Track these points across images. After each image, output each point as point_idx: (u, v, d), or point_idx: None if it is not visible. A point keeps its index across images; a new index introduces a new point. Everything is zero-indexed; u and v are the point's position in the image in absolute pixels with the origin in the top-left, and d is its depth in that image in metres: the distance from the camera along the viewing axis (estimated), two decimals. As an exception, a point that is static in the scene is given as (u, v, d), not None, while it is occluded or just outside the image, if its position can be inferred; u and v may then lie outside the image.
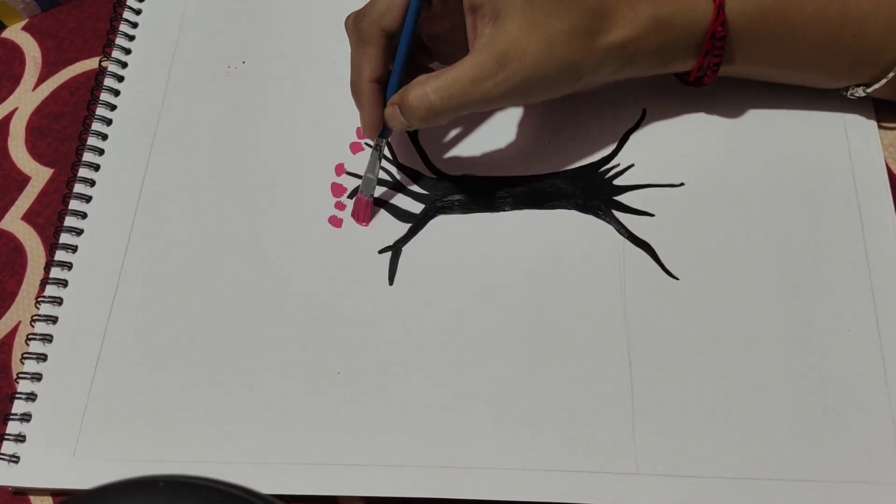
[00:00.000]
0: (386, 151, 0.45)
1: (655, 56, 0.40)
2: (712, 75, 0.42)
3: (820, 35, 0.40)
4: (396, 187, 0.45)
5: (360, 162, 0.46)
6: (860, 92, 0.42)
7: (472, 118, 0.47)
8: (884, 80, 0.41)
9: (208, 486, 0.25)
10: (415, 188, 0.45)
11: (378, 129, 0.41)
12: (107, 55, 0.51)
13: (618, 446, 0.38)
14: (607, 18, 0.39)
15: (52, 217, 0.47)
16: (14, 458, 0.40)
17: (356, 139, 0.47)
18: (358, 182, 0.45)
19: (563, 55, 0.38)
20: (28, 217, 0.48)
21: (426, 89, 0.38)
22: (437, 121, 0.39)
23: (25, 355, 0.42)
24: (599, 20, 0.38)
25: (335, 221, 0.45)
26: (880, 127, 0.44)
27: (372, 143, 0.43)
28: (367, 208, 0.44)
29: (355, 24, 0.40)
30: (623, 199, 0.44)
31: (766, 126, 0.45)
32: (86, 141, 0.48)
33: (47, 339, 0.43)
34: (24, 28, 0.54)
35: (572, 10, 0.38)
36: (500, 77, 0.38)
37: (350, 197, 0.45)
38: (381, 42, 0.40)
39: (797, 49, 0.40)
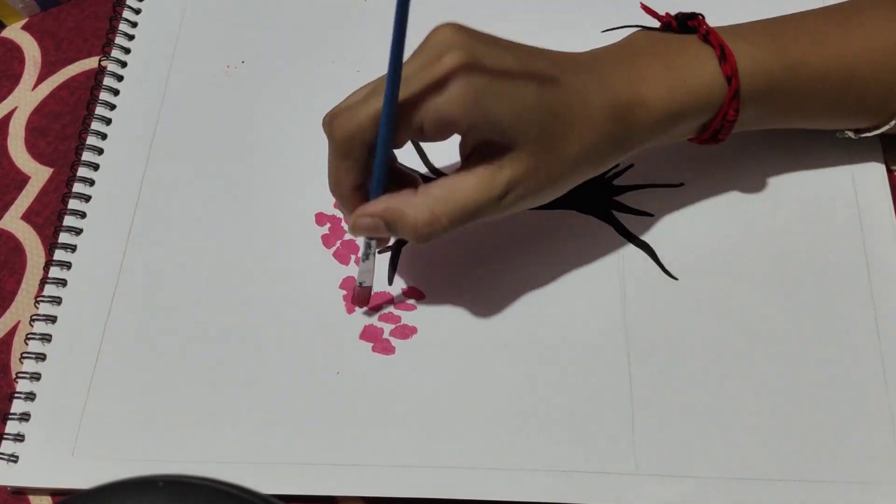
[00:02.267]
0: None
1: (661, 140, 0.39)
2: (717, 142, 0.40)
3: (827, 97, 0.39)
4: (396, 187, 0.45)
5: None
6: (850, 135, 0.42)
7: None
8: (886, 128, 0.41)
9: (208, 485, 0.25)
10: (414, 188, 0.45)
11: None
12: (106, 54, 0.51)
13: (617, 446, 0.38)
14: (621, 124, 0.36)
15: (51, 216, 0.47)
16: (13, 458, 0.40)
17: (356, 139, 0.47)
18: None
19: (573, 175, 0.37)
20: (27, 216, 0.48)
21: (436, 213, 0.35)
22: (436, 238, 0.36)
23: (24, 355, 0.42)
24: (614, 129, 0.36)
25: (334, 221, 0.45)
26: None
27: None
28: (361, 295, 0.42)
29: (334, 130, 0.35)
30: (622, 199, 0.44)
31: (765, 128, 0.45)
32: (85, 140, 0.48)
33: (46, 338, 0.43)
34: (24, 27, 0.54)
35: (588, 128, 0.36)
36: (507, 201, 0.35)
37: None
38: (362, 155, 0.36)
39: (802, 112, 0.40)
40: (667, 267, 0.42)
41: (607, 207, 0.44)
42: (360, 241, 0.41)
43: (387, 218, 0.36)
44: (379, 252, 0.42)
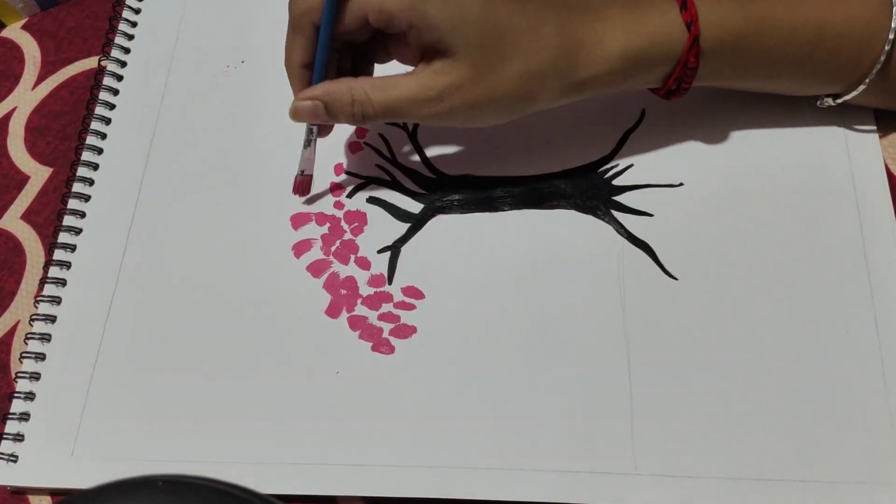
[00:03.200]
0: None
1: (620, 85, 0.40)
2: (682, 93, 0.41)
3: (794, 54, 0.39)
4: (395, 187, 0.45)
5: (359, 161, 0.46)
6: (830, 101, 0.42)
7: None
8: (854, 93, 0.41)
9: (207, 485, 0.25)
10: (414, 188, 0.45)
11: None
12: (106, 54, 0.51)
13: (616, 446, 0.38)
14: (570, 59, 0.38)
15: (50, 216, 0.47)
16: (12, 458, 0.40)
17: (355, 139, 0.47)
18: (357, 181, 0.46)
19: (510, 99, 0.38)
20: (27, 216, 0.48)
21: (370, 96, 0.38)
22: (366, 124, 0.40)
23: (24, 354, 0.42)
24: (564, 61, 0.38)
25: (334, 221, 0.45)
26: (879, 127, 0.44)
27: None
28: (303, 184, 0.45)
29: (289, 9, 0.40)
30: (622, 199, 0.44)
31: (765, 126, 0.45)
32: (85, 140, 0.48)
33: (46, 338, 0.43)
34: (24, 27, 0.54)
35: (533, 53, 0.37)
36: (440, 107, 0.38)
37: (349, 196, 0.45)
38: (310, 33, 0.39)
39: (771, 67, 0.40)
40: (666, 267, 0.42)
41: (607, 207, 0.44)
42: (303, 129, 0.43)
43: (325, 99, 0.39)
44: (320, 137, 0.44)
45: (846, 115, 0.44)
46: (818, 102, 0.43)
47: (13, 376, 0.43)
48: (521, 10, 0.37)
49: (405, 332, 0.42)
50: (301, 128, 0.44)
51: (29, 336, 0.43)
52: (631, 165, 0.45)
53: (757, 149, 0.44)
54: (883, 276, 0.41)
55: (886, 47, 0.39)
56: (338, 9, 0.38)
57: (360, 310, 0.42)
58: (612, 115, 0.46)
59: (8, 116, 0.51)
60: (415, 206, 0.45)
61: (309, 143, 0.43)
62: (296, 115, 0.40)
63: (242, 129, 0.48)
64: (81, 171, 0.47)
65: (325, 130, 0.43)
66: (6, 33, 0.54)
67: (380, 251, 0.44)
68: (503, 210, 0.44)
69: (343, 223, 0.45)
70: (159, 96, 0.49)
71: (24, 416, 0.41)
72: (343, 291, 0.43)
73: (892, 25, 0.38)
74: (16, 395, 0.41)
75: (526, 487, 0.38)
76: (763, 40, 0.39)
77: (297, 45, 0.40)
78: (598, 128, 0.45)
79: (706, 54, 0.38)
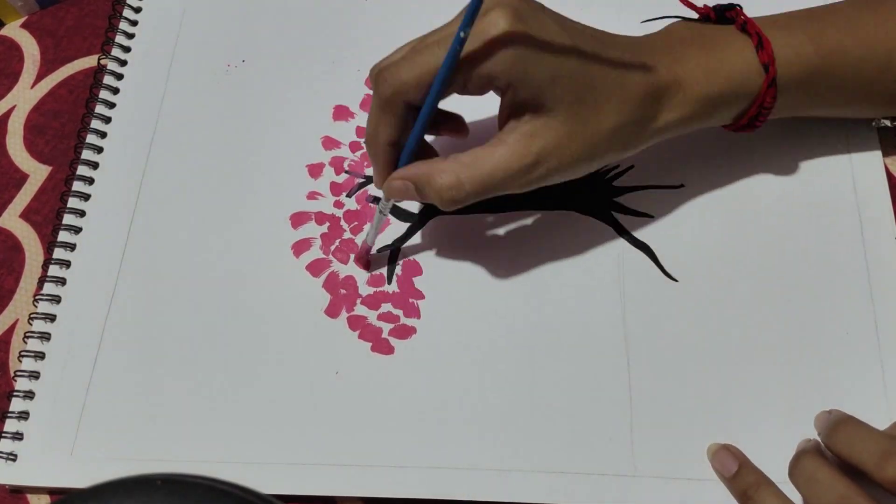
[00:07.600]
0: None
1: (696, 126, 0.39)
2: (754, 129, 0.41)
3: (860, 82, 0.40)
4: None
5: (359, 161, 0.46)
6: (887, 122, 0.43)
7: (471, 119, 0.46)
8: None
9: (206, 484, 0.25)
10: (414, 188, 0.45)
11: None
12: (106, 53, 0.51)
13: (615, 448, 0.38)
14: (657, 105, 0.37)
15: (50, 215, 0.47)
16: (11, 457, 0.40)
17: (355, 138, 0.47)
18: (357, 180, 0.46)
19: (605, 151, 0.37)
20: (26, 215, 0.48)
21: (461, 178, 0.36)
22: (460, 205, 0.37)
23: (23, 353, 0.42)
24: (649, 108, 0.37)
25: (333, 221, 0.45)
26: (880, 129, 0.44)
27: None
28: (365, 256, 0.43)
29: (379, 85, 0.36)
30: (622, 200, 0.44)
31: (766, 128, 0.45)
32: (84, 139, 0.48)
33: (45, 337, 0.42)
34: (23, 25, 0.54)
35: (623, 104, 0.36)
36: (536, 174, 0.36)
37: (349, 196, 0.45)
38: (402, 112, 0.37)
39: (841, 97, 0.41)
40: (666, 268, 0.42)
41: (607, 208, 0.44)
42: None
43: (417, 181, 0.37)
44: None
45: (846, 118, 0.44)
46: (873, 122, 0.43)
47: (12, 375, 0.42)
48: (608, 62, 0.36)
49: (405, 332, 0.41)
50: (298, 126, 0.44)
51: (28, 335, 0.43)
52: (631, 167, 0.45)
53: (757, 151, 0.44)
54: (883, 278, 0.41)
55: None
56: (448, 86, 0.35)
57: (360, 310, 0.42)
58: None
59: (7, 115, 0.51)
60: (414, 206, 0.45)
61: (383, 212, 0.41)
62: (388, 193, 0.39)
63: (242, 128, 0.48)
64: (81, 170, 0.47)
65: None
66: (5, 31, 0.54)
67: (379, 250, 0.44)
68: (503, 211, 0.44)
69: (343, 222, 0.45)
70: (159, 95, 0.49)
71: (23, 415, 0.41)
72: (342, 291, 0.43)
73: None
74: (15, 393, 0.41)
75: (525, 488, 0.38)
76: (835, 71, 0.39)
77: (385, 124, 0.37)
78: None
79: (781, 92, 0.39)
